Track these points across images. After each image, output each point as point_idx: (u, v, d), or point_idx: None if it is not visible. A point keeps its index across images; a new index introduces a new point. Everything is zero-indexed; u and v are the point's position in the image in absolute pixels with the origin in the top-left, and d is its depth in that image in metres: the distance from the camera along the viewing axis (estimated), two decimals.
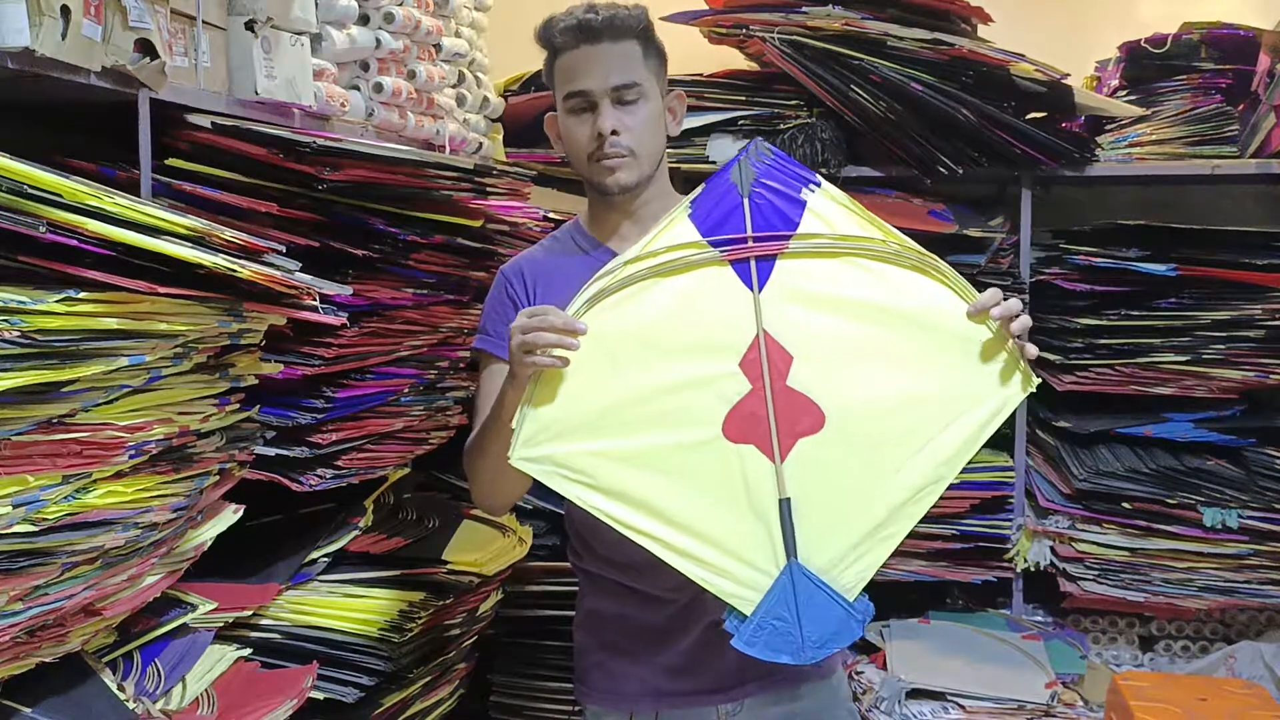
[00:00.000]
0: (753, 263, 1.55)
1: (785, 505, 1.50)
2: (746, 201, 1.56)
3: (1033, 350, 1.53)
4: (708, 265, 1.55)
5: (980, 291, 1.55)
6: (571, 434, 1.50)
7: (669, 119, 1.79)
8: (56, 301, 1.18)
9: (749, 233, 1.55)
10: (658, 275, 1.54)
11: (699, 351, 1.53)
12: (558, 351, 1.48)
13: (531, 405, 1.50)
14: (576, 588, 1.89)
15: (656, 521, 1.49)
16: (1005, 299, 1.53)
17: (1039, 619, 3.05)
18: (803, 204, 1.56)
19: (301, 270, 1.58)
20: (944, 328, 1.54)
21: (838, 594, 1.48)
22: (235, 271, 1.39)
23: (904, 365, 1.53)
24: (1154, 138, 3.11)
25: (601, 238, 1.79)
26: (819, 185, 1.58)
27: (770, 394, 1.51)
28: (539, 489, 1.71)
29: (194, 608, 1.64)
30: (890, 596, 2.87)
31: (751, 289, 1.54)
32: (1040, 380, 1.56)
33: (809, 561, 1.49)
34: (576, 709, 2.72)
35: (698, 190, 1.59)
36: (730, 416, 1.51)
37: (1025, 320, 1.53)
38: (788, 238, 1.55)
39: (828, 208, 1.57)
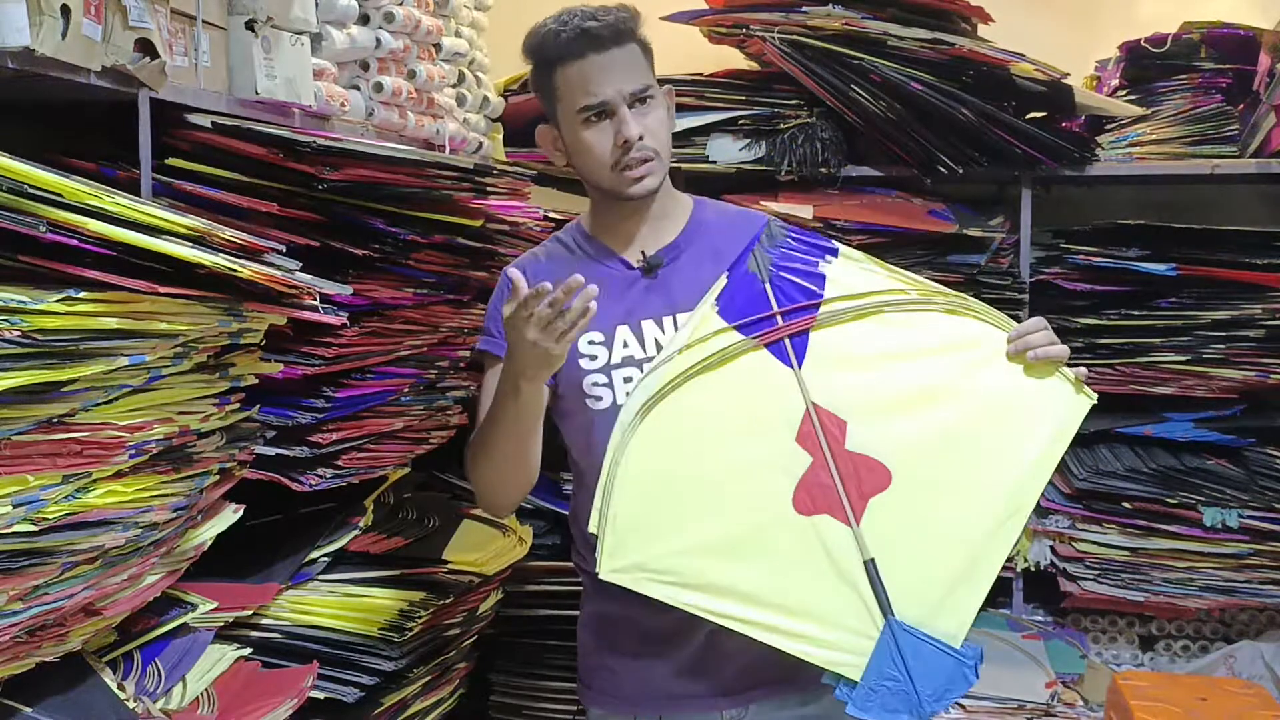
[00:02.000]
0: (787, 341, 1.58)
1: (871, 566, 1.50)
2: (768, 285, 1.60)
3: (1082, 371, 1.55)
4: (745, 353, 1.58)
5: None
6: (650, 539, 1.53)
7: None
8: (57, 301, 1.18)
9: (775, 311, 1.59)
10: (700, 372, 1.57)
11: (754, 435, 1.56)
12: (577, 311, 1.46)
13: (609, 517, 1.53)
14: (578, 587, 1.89)
15: (748, 606, 1.50)
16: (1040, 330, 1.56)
17: (1039, 619, 3.05)
18: (822, 277, 1.60)
19: (301, 270, 1.58)
20: (988, 360, 1.55)
21: (943, 643, 1.47)
22: (235, 271, 1.39)
23: (957, 404, 1.55)
24: (1154, 137, 3.11)
25: (608, 241, 1.77)
26: (836, 254, 1.62)
27: (832, 461, 1.53)
28: (539, 489, 1.71)
29: (194, 607, 1.64)
30: None
31: (791, 366, 1.57)
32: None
33: (905, 616, 1.48)
34: (578, 709, 2.72)
35: (720, 284, 1.63)
36: (798, 491, 1.53)
37: (1062, 350, 1.54)
38: (814, 309, 1.58)
39: (847, 273, 1.60)
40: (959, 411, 1.54)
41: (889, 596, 1.48)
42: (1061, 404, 1.54)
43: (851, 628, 1.49)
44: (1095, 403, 1.54)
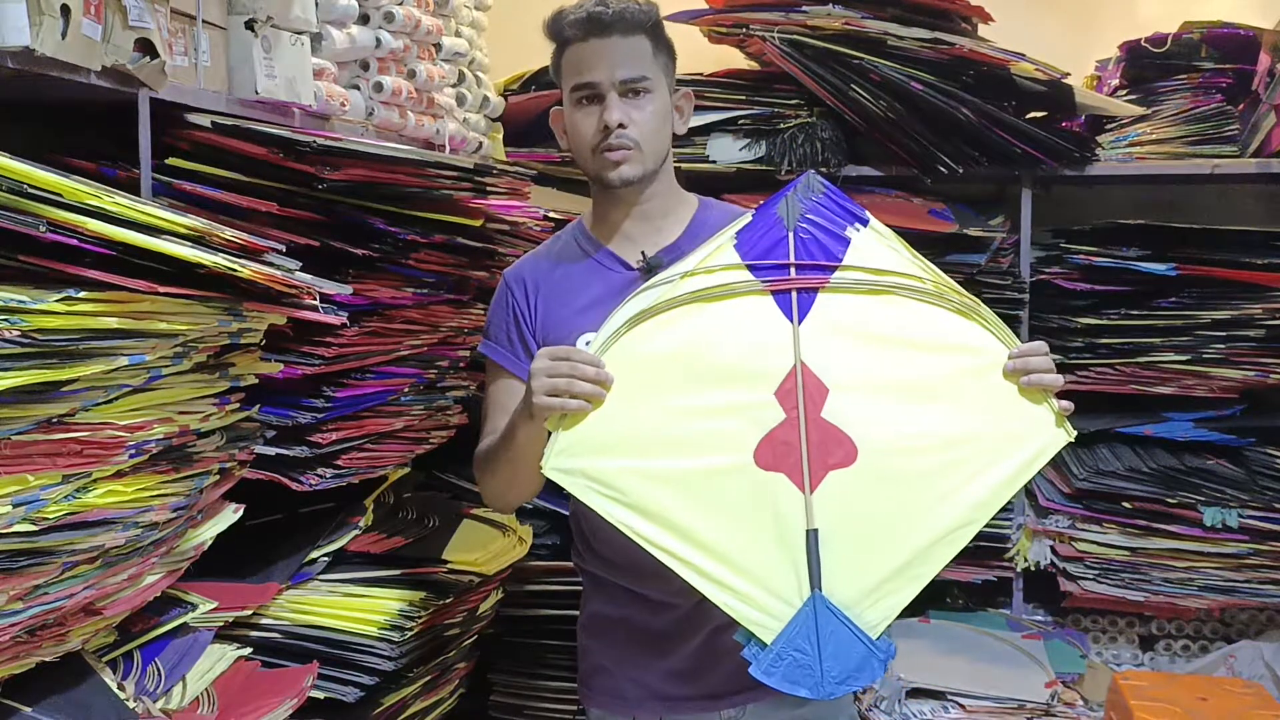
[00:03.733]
0: (794, 294, 1.55)
1: (812, 536, 1.48)
2: (791, 235, 1.57)
3: (1068, 405, 1.53)
4: (749, 294, 1.56)
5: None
6: (605, 449, 1.50)
7: (676, 117, 1.78)
8: (57, 301, 1.18)
9: (791, 262, 1.56)
10: (699, 300, 1.55)
11: (735, 378, 1.53)
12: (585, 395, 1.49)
13: (567, 418, 1.50)
14: (578, 587, 1.89)
15: (683, 542, 1.48)
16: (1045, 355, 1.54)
17: (1039, 618, 3.05)
18: (847, 241, 1.57)
19: (301, 269, 1.58)
20: (982, 371, 1.54)
21: (861, 630, 1.46)
22: (235, 271, 1.39)
23: (940, 405, 1.53)
24: (1154, 137, 3.11)
25: (604, 239, 1.78)
26: (866, 223, 1.58)
27: (804, 424, 1.51)
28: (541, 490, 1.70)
29: (194, 607, 1.64)
30: None
31: (791, 320, 1.55)
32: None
33: (833, 595, 1.46)
34: (578, 709, 2.71)
35: (744, 219, 1.60)
36: (762, 444, 1.51)
37: (1054, 381, 1.52)
38: (831, 270, 1.56)
39: (873, 246, 1.57)
40: (941, 413, 1.53)
41: (821, 571, 1.47)
42: (1041, 433, 1.52)
43: (777, 592, 1.47)
44: (1073, 440, 1.53)
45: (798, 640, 1.45)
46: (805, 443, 1.50)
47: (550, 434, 1.51)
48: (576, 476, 1.50)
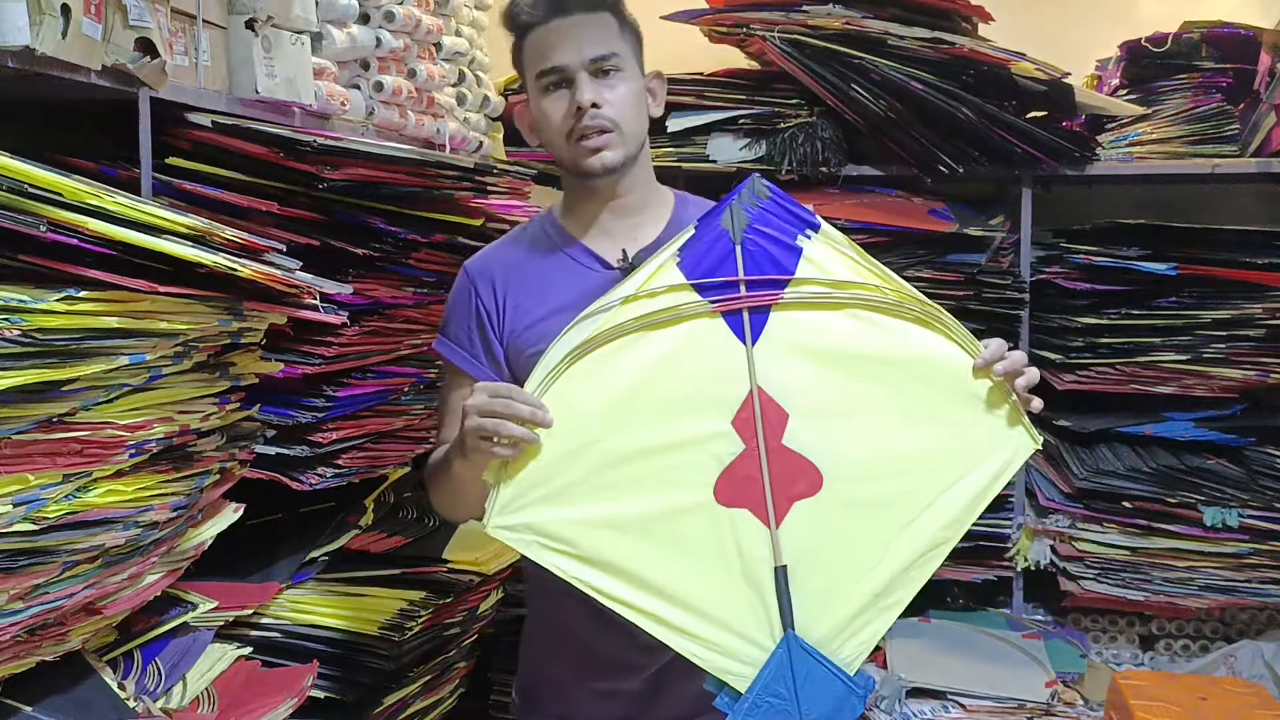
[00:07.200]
0: (745, 314, 1.44)
1: (781, 573, 1.40)
2: (739, 249, 1.45)
3: (1037, 403, 1.46)
4: (698, 317, 1.44)
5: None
6: (552, 499, 1.39)
7: (650, 100, 1.65)
8: (57, 300, 1.18)
9: (741, 279, 1.44)
10: (643, 327, 1.43)
11: (689, 409, 1.43)
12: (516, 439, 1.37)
13: (508, 468, 1.39)
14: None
15: (644, 594, 1.39)
16: (1009, 350, 1.45)
17: (1039, 618, 3.05)
18: (799, 251, 1.45)
19: (302, 269, 1.58)
20: (946, 383, 1.45)
21: (837, 668, 1.39)
22: (236, 270, 1.39)
23: (905, 423, 1.45)
24: (1154, 137, 3.11)
25: (578, 233, 1.67)
26: (817, 229, 1.47)
27: (764, 454, 1.42)
28: None
29: (194, 606, 1.64)
30: None
31: (744, 342, 1.44)
32: (1041, 435, 1.47)
33: (807, 633, 1.40)
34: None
35: (686, 234, 1.47)
36: (722, 479, 1.42)
37: (1032, 374, 1.45)
38: (783, 285, 1.44)
39: (825, 254, 1.46)
40: (904, 432, 1.44)
41: (793, 609, 1.39)
42: (1008, 444, 1.45)
43: (747, 635, 1.39)
44: (1040, 449, 1.47)
45: (773, 684, 1.38)
46: (767, 475, 1.41)
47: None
48: (523, 532, 1.38)
